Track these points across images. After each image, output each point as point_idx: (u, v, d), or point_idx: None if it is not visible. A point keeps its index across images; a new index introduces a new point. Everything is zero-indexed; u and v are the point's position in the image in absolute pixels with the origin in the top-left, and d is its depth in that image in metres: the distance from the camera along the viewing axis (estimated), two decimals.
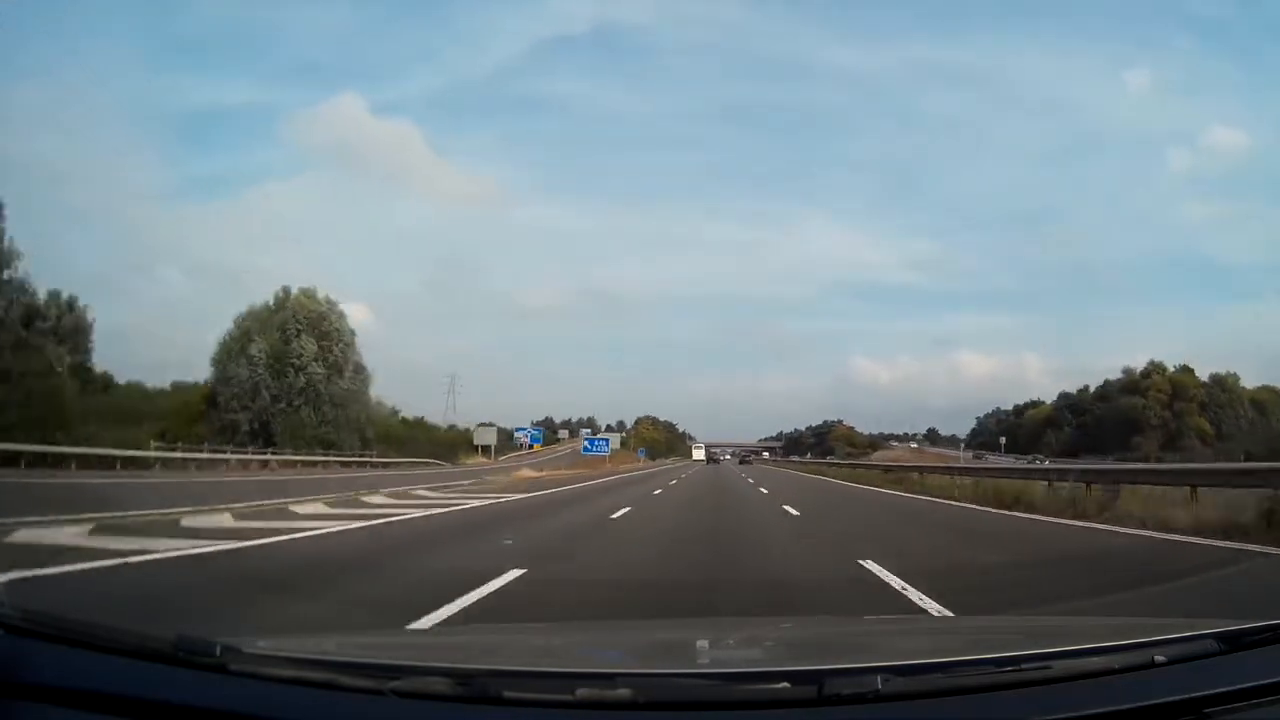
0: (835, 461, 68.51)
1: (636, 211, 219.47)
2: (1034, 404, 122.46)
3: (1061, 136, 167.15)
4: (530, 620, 5.09)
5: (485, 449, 75.93)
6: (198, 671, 1.52)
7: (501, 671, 1.63)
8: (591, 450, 71.88)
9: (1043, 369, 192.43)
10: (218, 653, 1.55)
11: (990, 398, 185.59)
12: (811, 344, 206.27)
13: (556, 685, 1.56)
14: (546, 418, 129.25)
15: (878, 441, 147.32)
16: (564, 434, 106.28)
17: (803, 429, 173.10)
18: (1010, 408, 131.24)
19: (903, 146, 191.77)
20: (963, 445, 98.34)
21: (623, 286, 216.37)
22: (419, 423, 75.60)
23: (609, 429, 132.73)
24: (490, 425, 72.38)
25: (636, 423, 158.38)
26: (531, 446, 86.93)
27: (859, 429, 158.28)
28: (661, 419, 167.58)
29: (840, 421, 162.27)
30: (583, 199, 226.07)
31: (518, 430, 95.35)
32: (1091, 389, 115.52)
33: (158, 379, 59.17)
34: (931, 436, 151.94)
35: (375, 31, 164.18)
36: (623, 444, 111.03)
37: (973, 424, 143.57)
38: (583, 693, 1.48)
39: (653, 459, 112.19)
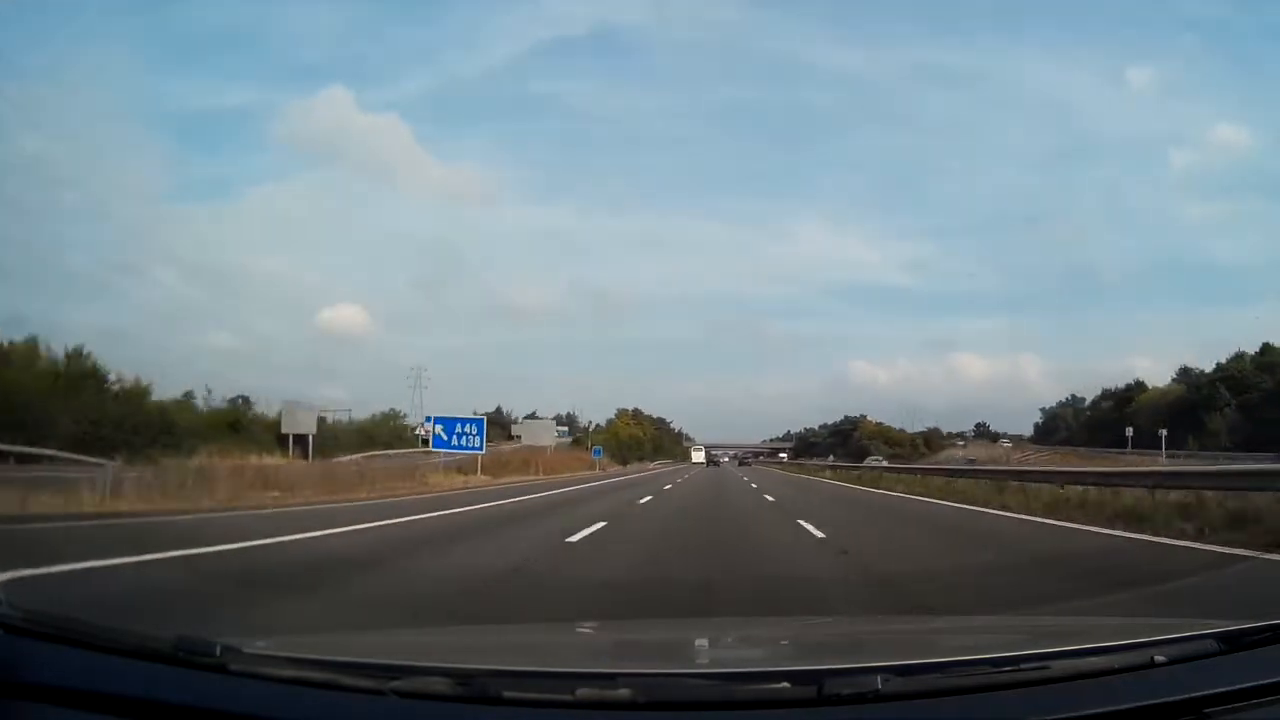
0: (883, 465, 47.54)
1: (636, 211, 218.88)
2: (1137, 386, 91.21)
3: (1063, 137, 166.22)
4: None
5: (299, 440, 44.43)
6: (198, 671, 1.52)
7: (501, 671, 1.63)
8: (449, 446, 37.09)
9: (1090, 361, 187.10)
10: (218, 653, 1.55)
11: (1016, 394, 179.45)
12: (817, 344, 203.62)
13: (556, 685, 1.56)
14: (497, 408, 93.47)
15: (934, 439, 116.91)
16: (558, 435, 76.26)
17: (816, 427, 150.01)
18: (1098, 393, 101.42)
19: (910, 147, 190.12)
20: (1167, 441, 58.82)
21: (621, 286, 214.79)
22: (82, 370, 39.37)
23: (597, 428, 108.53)
24: (308, 407, 42.91)
25: (617, 415, 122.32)
26: None
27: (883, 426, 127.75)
28: (653, 415, 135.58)
29: (864, 417, 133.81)
30: (583, 198, 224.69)
31: (428, 420, 57.91)
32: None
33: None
34: (982, 432, 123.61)
35: (371, 32, 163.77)
36: (576, 441, 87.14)
37: (1036, 418, 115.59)
38: (583, 693, 1.48)
39: (623, 464, 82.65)
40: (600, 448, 72.48)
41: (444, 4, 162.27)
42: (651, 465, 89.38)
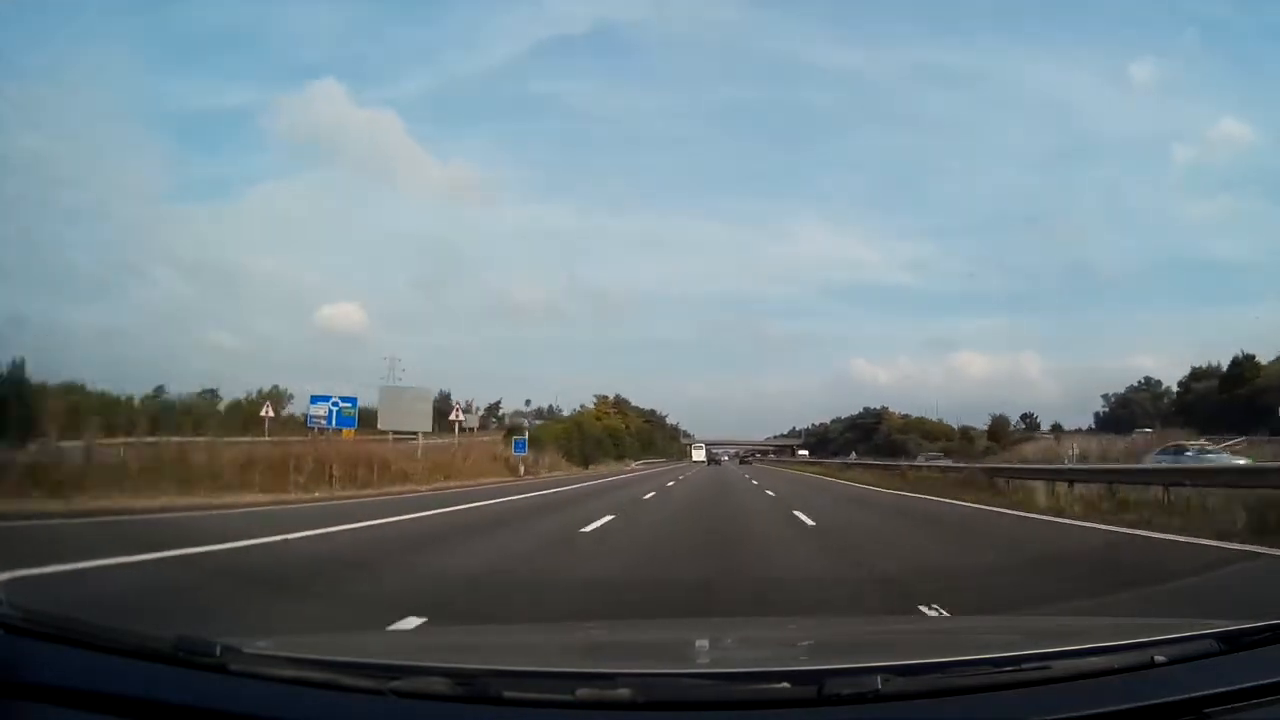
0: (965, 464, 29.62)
1: (636, 211, 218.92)
2: (1247, 361, 75.35)
3: (1063, 137, 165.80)
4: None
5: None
6: (198, 671, 1.52)
7: (501, 671, 1.63)
8: None
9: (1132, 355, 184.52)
10: (218, 653, 1.55)
11: (1019, 392, 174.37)
12: (817, 343, 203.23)
13: (556, 685, 1.56)
14: (441, 392, 67.04)
15: (1002, 431, 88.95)
16: (467, 417, 51.68)
17: (827, 422, 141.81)
18: (1186, 373, 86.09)
19: (910, 147, 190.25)
20: None
21: (620, 286, 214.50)
22: None
23: (555, 418, 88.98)
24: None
25: (597, 403, 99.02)
26: (339, 430, 36.51)
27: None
28: (643, 407, 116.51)
29: (885, 409, 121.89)
30: (583, 198, 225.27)
31: (315, 400, 38.79)
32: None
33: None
34: (1031, 424, 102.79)
35: (370, 32, 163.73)
36: (511, 431, 55.78)
37: (1098, 406, 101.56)
38: (583, 693, 1.48)
39: (584, 465, 59.80)
40: (523, 440, 45.51)
41: (444, 4, 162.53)
42: (632, 465, 72.40)
